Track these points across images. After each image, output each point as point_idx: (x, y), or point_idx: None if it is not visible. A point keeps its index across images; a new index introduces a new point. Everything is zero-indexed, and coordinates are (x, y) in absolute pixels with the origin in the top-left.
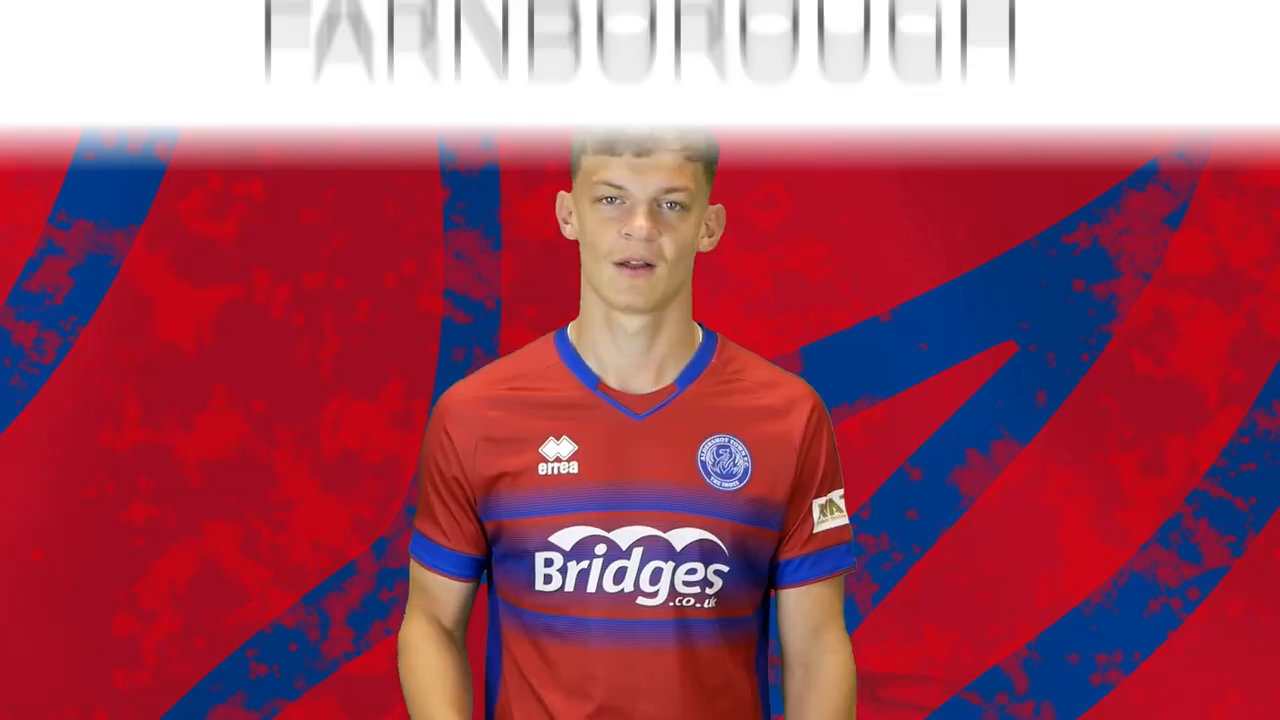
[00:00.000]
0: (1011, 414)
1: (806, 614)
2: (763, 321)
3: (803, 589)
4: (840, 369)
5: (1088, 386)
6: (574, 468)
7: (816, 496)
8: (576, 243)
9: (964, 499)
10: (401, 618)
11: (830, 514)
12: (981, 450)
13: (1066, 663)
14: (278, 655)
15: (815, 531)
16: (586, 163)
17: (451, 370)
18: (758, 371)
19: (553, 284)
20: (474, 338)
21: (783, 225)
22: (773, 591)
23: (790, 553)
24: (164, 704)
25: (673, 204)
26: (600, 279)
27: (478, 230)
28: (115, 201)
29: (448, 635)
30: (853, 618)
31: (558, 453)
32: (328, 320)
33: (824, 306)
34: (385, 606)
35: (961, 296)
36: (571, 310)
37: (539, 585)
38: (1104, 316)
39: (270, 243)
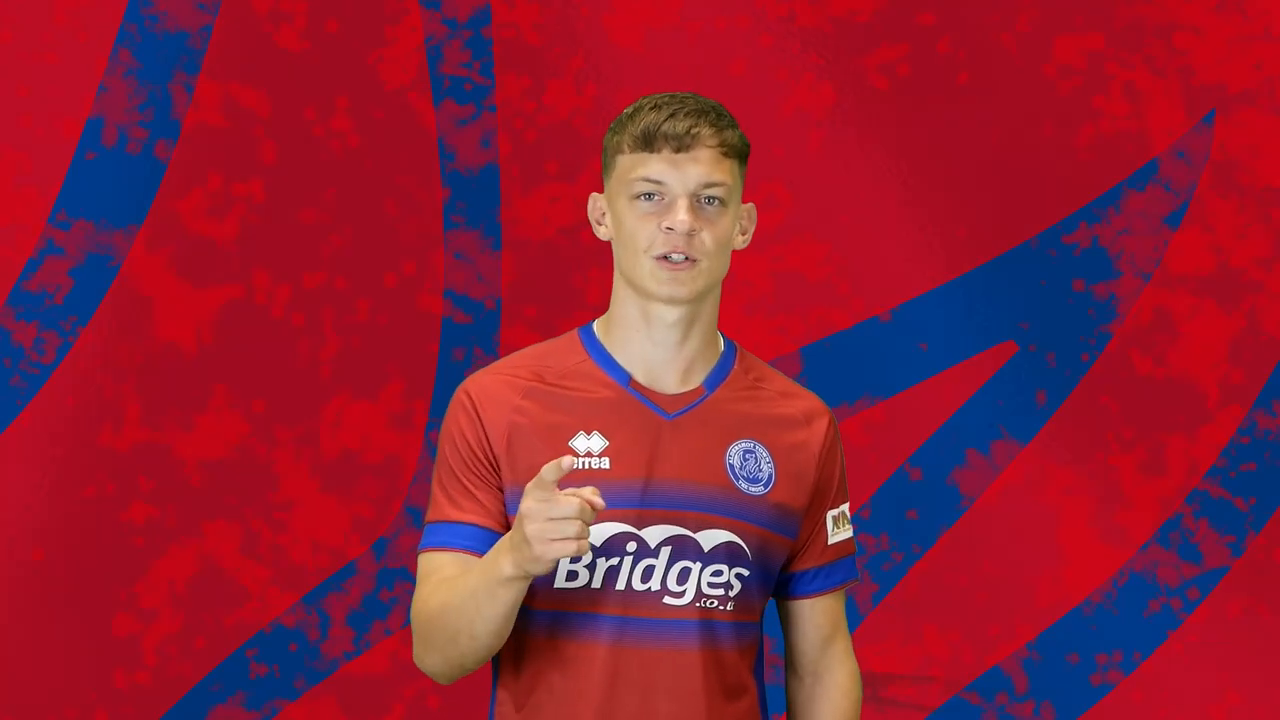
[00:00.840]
0: (1011, 414)
1: (819, 624)
2: (763, 321)
3: (816, 599)
4: (840, 369)
5: (1088, 386)
6: (605, 463)
7: (831, 508)
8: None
9: (964, 499)
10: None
11: (842, 526)
12: (981, 450)
13: (1066, 663)
14: (278, 655)
15: (830, 543)
16: (623, 161)
17: (451, 370)
18: (775, 381)
19: (553, 284)
20: (474, 338)
21: (783, 225)
22: (769, 598)
23: (806, 563)
24: (164, 704)
25: (711, 198)
26: (640, 273)
27: (478, 230)
28: (115, 201)
29: None
30: (853, 618)
31: (589, 447)
32: (328, 320)
33: (824, 306)
34: (385, 606)
35: (961, 296)
36: (571, 310)
37: (560, 581)
38: (1104, 316)
39: (270, 243)
